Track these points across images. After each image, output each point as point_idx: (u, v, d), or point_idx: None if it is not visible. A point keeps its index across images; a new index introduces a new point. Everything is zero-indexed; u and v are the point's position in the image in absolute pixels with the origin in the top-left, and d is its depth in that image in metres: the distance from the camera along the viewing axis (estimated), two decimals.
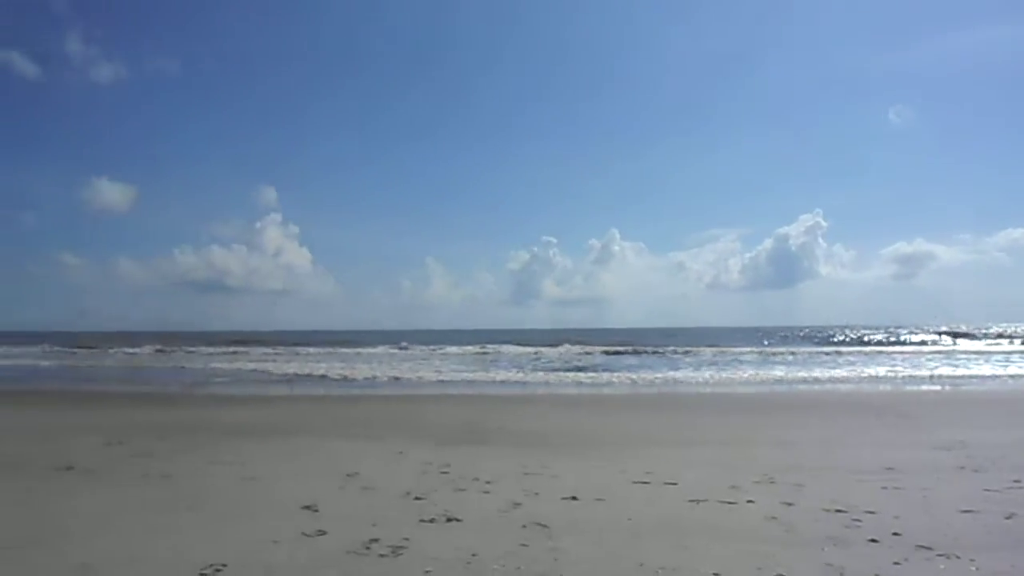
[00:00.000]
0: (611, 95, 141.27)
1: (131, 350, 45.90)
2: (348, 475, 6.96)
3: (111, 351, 45.17)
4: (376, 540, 4.68)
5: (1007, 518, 5.32)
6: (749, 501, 5.92)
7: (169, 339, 60.22)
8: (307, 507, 5.60)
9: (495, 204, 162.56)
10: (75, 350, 46.72)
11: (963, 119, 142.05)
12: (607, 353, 40.85)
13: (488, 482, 6.67)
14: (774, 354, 35.69)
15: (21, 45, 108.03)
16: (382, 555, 4.40)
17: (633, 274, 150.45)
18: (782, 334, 71.00)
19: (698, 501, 5.91)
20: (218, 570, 4.10)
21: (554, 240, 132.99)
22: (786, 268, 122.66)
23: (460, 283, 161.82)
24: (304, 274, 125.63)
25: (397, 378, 24.28)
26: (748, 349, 37.71)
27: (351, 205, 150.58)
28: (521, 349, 44.29)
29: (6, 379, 25.09)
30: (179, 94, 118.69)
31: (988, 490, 6.26)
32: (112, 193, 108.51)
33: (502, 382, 22.91)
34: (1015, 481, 6.64)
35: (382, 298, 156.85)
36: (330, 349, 45.66)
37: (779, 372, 25.26)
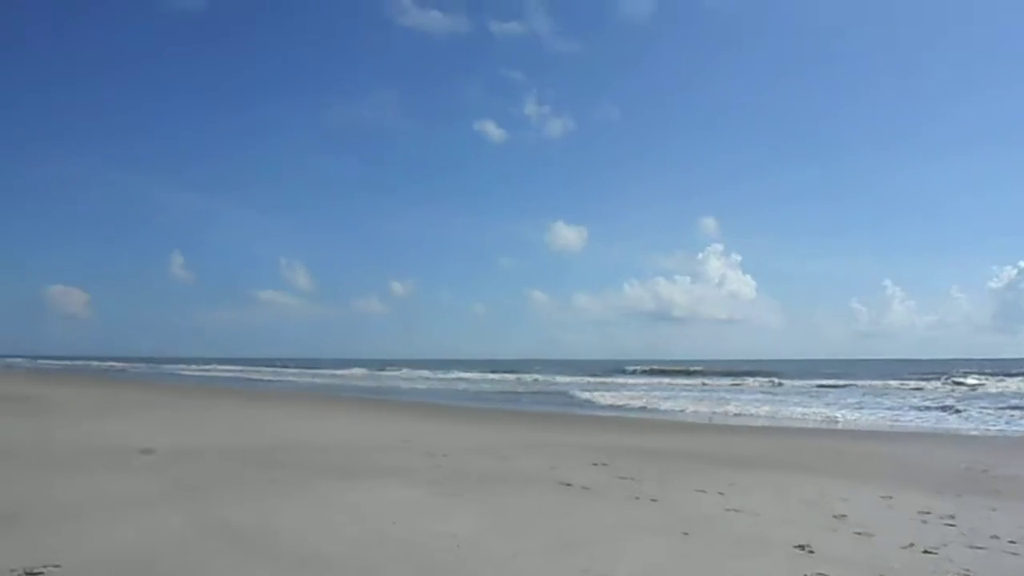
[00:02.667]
0: None
1: (622, 378, 51.08)
2: (835, 516, 6.66)
3: (571, 378, 50.95)
4: None
5: None
6: None
7: (621, 368, 65.77)
8: (800, 547, 5.50)
9: (968, 212, 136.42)
10: (556, 377, 53.99)
11: None
12: None
13: (1012, 542, 5.71)
14: None
15: (493, 115, 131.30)
16: None
17: None
18: None
19: None
20: None
21: None
22: None
23: (925, 307, 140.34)
24: (749, 302, 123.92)
25: (862, 410, 22.35)
26: None
27: (793, 230, 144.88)
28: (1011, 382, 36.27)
29: (499, 399, 30.35)
30: (620, 139, 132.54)
31: None
32: (568, 234, 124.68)
33: (1002, 422, 19.19)
34: None
35: (833, 325, 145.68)
36: (785, 380, 44.06)
37: None
